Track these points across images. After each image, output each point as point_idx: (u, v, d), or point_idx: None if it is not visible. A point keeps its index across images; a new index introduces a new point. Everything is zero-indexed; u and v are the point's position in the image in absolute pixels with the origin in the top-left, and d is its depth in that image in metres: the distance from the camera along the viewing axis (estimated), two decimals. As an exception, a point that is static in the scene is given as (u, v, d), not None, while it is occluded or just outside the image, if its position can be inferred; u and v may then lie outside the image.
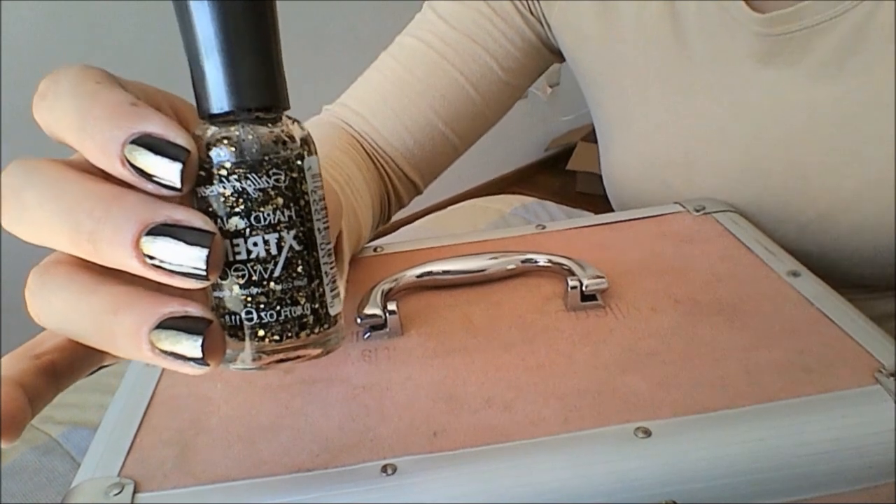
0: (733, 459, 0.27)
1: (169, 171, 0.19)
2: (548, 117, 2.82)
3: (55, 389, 0.23)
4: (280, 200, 0.21)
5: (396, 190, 0.59)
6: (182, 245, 0.19)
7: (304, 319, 0.22)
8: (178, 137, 0.19)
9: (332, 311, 0.23)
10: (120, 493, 0.28)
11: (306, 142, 0.22)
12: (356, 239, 0.43)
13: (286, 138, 0.21)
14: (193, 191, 0.21)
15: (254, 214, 0.21)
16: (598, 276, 0.38)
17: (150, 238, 0.19)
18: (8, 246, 1.46)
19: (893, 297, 0.51)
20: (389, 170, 0.57)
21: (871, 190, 0.44)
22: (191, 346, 0.19)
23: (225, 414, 0.32)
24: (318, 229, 0.22)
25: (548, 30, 0.58)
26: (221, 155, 0.21)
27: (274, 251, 0.21)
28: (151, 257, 0.19)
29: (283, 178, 0.21)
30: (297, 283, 0.22)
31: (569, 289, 0.38)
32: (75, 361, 0.24)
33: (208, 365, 0.20)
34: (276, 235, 0.21)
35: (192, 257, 0.19)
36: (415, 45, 0.57)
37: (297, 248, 0.22)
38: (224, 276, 0.21)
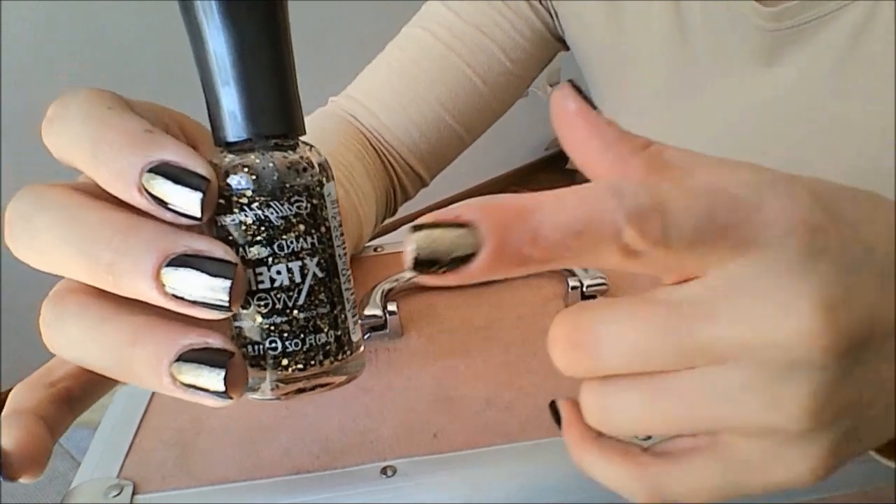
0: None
1: (189, 201, 0.19)
2: (548, 117, 2.80)
3: (71, 417, 0.23)
4: (302, 227, 0.21)
5: (402, 183, 0.59)
6: (204, 276, 0.18)
7: (328, 347, 0.22)
8: (198, 166, 0.19)
9: (354, 337, 0.23)
10: (119, 494, 0.27)
11: (324, 167, 0.22)
12: (357, 238, 0.43)
13: (306, 165, 0.21)
14: (212, 219, 0.21)
15: (276, 243, 0.20)
16: (599, 277, 0.38)
17: (170, 269, 0.18)
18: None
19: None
20: (395, 163, 0.57)
21: (871, 188, 0.44)
22: (213, 378, 0.19)
23: (225, 414, 0.32)
24: (339, 255, 0.22)
25: (556, 18, 0.58)
26: (241, 183, 0.20)
27: (298, 279, 0.21)
28: (172, 288, 0.18)
29: (304, 205, 0.21)
30: (320, 310, 0.22)
31: (569, 289, 0.38)
32: (90, 387, 0.23)
33: (231, 398, 0.19)
34: (300, 263, 0.21)
35: (215, 288, 0.19)
36: (422, 36, 0.57)
37: (319, 275, 0.21)
38: (246, 306, 0.21)
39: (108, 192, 0.20)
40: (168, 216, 0.19)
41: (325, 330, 0.22)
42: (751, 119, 0.49)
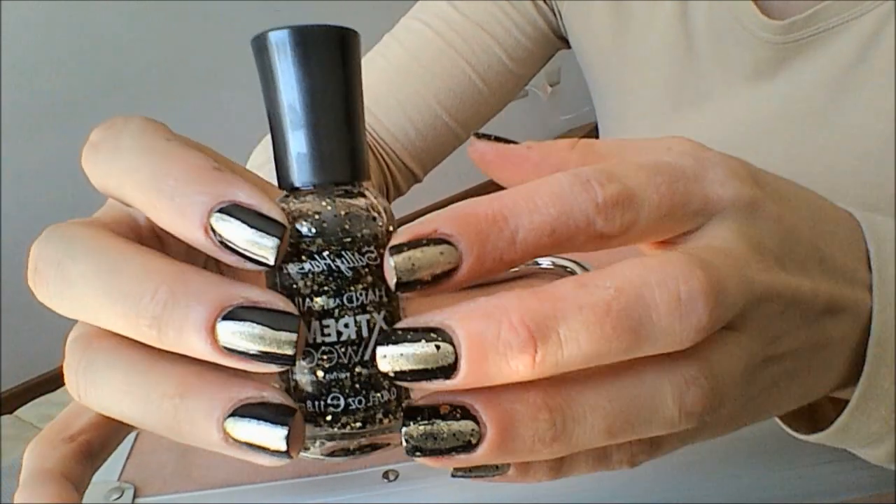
0: (736, 464, 0.27)
1: (261, 246, 0.17)
2: (548, 117, 2.82)
3: (92, 471, 0.21)
4: (370, 279, 0.19)
5: (395, 180, 0.58)
6: (268, 330, 0.17)
7: (389, 404, 0.20)
8: (272, 210, 0.17)
9: (412, 393, 0.22)
10: (120, 497, 0.27)
11: (390, 215, 0.21)
12: None
13: (375, 214, 0.20)
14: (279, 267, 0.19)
15: (346, 294, 0.19)
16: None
17: (227, 323, 0.17)
18: (8, 246, 1.46)
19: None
20: (389, 160, 0.57)
21: (873, 199, 0.43)
22: (275, 436, 0.17)
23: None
24: (401, 307, 0.21)
25: (559, 19, 0.57)
26: (312, 230, 0.19)
27: (365, 333, 0.19)
28: (228, 343, 0.17)
29: (374, 255, 0.20)
30: None
31: (571, 291, 0.37)
32: (109, 437, 0.22)
33: (291, 457, 0.17)
34: (367, 316, 0.19)
35: (279, 341, 0.17)
36: (422, 30, 0.56)
37: (385, 329, 0.20)
38: (308, 359, 0.19)
39: (141, 234, 0.19)
40: (232, 260, 0.18)
41: (387, 386, 0.20)
42: (754, 128, 0.48)
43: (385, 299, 0.20)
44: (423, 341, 0.16)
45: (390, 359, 0.17)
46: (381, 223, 0.20)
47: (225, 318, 0.17)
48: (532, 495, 0.27)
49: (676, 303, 0.16)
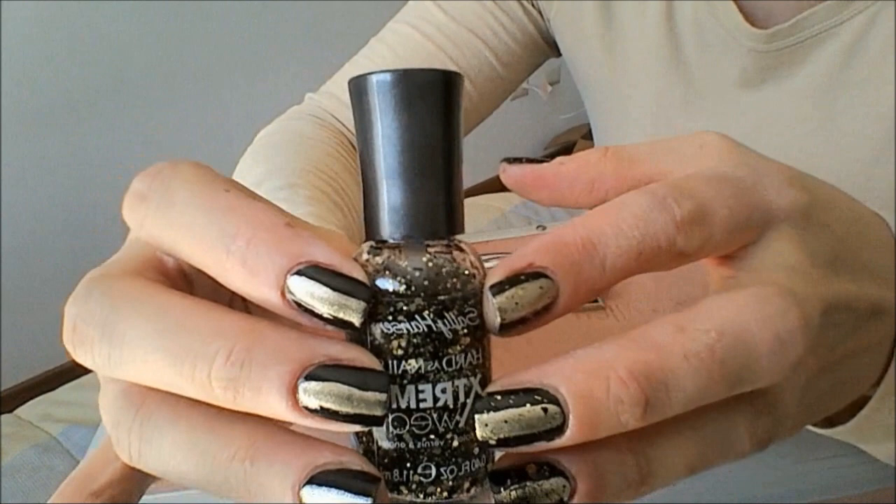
0: (738, 464, 0.27)
1: (347, 308, 0.16)
2: (548, 115, 2.82)
3: None
4: (468, 340, 0.18)
5: None
6: (355, 390, 0.16)
7: (479, 473, 0.19)
8: (353, 269, 0.16)
9: (496, 457, 0.21)
10: (120, 495, 0.27)
11: (484, 268, 0.19)
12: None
13: (474, 270, 0.18)
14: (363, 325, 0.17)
15: (445, 357, 0.18)
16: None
17: (310, 384, 0.15)
18: (8, 246, 1.47)
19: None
20: None
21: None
22: None
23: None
24: (490, 367, 0.19)
25: (548, 24, 0.57)
26: (411, 289, 0.17)
27: (461, 398, 0.18)
28: (314, 404, 0.15)
29: (475, 315, 0.18)
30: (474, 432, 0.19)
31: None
32: (134, 490, 0.20)
33: None
34: (464, 381, 0.18)
35: (369, 402, 0.16)
36: (410, 33, 0.55)
37: (480, 393, 0.18)
38: (399, 425, 0.18)
39: (168, 274, 0.18)
40: (312, 323, 0.16)
41: (477, 453, 0.19)
42: (745, 133, 0.49)
43: (480, 360, 0.19)
44: (528, 405, 0.16)
45: (493, 426, 0.16)
46: (480, 280, 0.18)
47: (307, 377, 0.15)
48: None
49: (776, 342, 0.16)
